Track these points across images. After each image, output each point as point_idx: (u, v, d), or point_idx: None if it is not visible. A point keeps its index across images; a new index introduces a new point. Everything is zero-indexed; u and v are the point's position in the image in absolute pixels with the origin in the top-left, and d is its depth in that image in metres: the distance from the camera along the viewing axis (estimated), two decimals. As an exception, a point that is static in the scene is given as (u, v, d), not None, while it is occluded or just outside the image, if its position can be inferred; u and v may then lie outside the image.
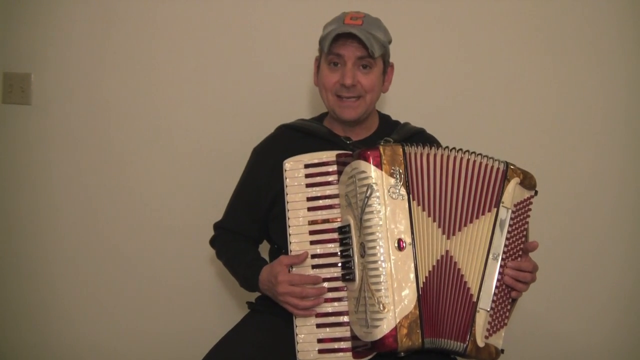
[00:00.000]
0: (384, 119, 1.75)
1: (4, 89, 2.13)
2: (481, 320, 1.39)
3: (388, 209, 1.35)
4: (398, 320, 1.30)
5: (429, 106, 2.08)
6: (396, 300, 1.31)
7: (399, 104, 2.05)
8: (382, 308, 1.31)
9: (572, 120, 2.10)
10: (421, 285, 1.34)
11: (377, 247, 1.33)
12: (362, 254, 1.36)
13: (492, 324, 1.41)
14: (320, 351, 1.41)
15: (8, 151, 2.16)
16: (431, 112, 2.03)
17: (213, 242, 1.77)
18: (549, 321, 2.13)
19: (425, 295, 1.34)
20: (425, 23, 2.10)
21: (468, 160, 1.43)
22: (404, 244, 1.34)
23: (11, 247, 2.17)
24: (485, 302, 1.40)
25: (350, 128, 1.66)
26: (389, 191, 1.36)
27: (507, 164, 1.46)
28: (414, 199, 1.38)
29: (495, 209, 1.43)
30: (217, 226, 1.77)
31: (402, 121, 1.75)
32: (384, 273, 1.32)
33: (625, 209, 2.11)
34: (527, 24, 2.09)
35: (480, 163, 1.44)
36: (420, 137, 1.67)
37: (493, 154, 1.47)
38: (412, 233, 1.35)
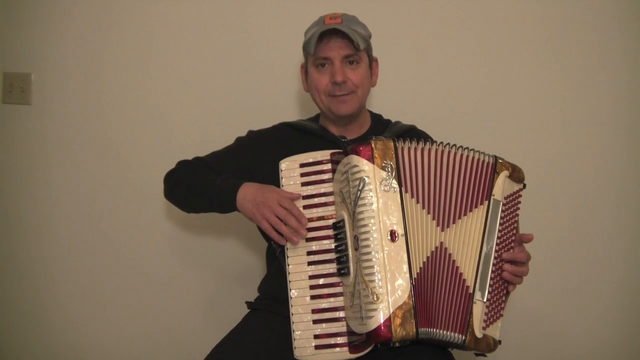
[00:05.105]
0: (376, 118, 1.77)
1: (4, 89, 2.15)
2: (478, 311, 1.39)
3: (380, 201, 1.36)
4: (392, 310, 1.31)
5: (423, 107, 2.08)
6: (390, 290, 1.32)
7: (392, 102, 2.05)
8: (375, 298, 1.31)
9: (572, 120, 2.10)
10: (415, 275, 1.34)
11: (370, 239, 1.34)
12: (356, 247, 1.37)
13: (489, 315, 1.42)
14: (317, 347, 1.41)
15: (8, 151, 2.17)
16: (425, 113, 2.03)
17: (170, 175, 1.68)
18: (551, 321, 2.12)
19: (419, 286, 1.35)
20: (421, 22, 2.10)
21: (462, 155, 1.45)
22: (397, 235, 1.34)
23: (11, 247, 2.18)
24: (481, 293, 1.40)
25: (344, 127, 1.68)
26: (381, 184, 1.37)
27: (496, 158, 1.48)
28: (406, 192, 1.39)
29: (487, 202, 1.44)
30: (182, 161, 1.68)
31: (393, 120, 1.77)
32: (377, 264, 1.33)
33: (628, 207, 2.10)
34: (522, 22, 2.09)
35: (472, 157, 1.46)
36: (411, 134, 1.68)
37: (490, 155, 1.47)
38: (405, 224, 1.35)
